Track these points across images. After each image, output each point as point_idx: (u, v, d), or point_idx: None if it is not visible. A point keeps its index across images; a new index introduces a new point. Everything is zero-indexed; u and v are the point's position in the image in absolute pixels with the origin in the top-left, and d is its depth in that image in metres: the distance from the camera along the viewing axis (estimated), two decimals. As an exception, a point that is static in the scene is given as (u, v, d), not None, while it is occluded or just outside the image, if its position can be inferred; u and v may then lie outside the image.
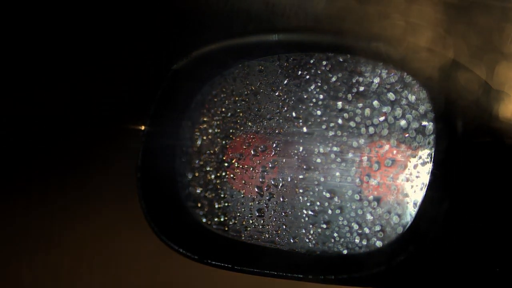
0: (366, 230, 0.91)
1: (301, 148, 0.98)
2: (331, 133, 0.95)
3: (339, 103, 0.95)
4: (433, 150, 0.85)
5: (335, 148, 0.95)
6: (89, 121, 1.64)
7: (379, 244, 0.90)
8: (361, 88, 0.93)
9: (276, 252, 1.00)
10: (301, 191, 0.98)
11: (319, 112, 0.97)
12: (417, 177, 0.87)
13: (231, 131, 1.06)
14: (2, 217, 1.69)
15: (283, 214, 1.00)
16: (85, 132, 1.65)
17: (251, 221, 1.03)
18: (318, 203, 0.96)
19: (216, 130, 1.08)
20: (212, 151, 1.08)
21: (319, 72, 0.97)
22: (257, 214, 1.02)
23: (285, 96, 1.00)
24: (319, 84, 0.97)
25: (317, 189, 0.96)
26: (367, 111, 0.92)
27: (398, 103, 0.89)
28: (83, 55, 1.58)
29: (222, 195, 1.07)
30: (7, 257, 1.69)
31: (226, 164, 1.05)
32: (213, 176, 1.08)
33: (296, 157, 0.99)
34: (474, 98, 0.87)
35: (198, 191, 1.09)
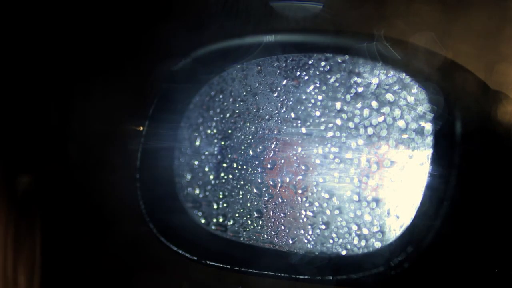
0: (365, 231, 0.91)
1: (299, 149, 0.98)
2: (330, 134, 0.95)
3: (338, 104, 0.95)
4: (431, 151, 0.85)
5: (333, 149, 0.95)
6: (89, 121, 1.64)
7: (377, 245, 0.90)
8: (360, 89, 0.93)
9: (274, 253, 0.99)
10: (300, 192, 0.98)
11: (317, 113, 0.97)
12: (415, 178, 0.87)
13: (229, 132, 1.06)
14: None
15: (282, 215, 1.00)
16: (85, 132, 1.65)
17: (249, 222, 1.03)
18: (316, 204, 0.96)
19: (214, 131, 1.08)
20: (210, 152, 1.08)
21: (318, 73, 0.97)
22: (256, 215, 1.02)
23: (284, 97, 1.00)
24: (318, 85, 0.97)
25: (315, 190, 0.96)
26: (366, 112, 0.92)
27: (397, 104, 0.89)
28: (81, 55, 1.58)
29: (220, 196, 1.07)
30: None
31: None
32: (211, 177, 1.08)
33: (295, 158, 0.99)
34: (472, 98, 0.87)
35: (197, 192, 1.09)
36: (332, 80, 0.95)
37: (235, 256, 1.01)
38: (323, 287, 1.02)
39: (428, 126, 0.86)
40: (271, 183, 1.01)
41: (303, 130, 0.98)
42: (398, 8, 1.16)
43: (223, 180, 1.06)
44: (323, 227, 0.95)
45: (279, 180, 1.00)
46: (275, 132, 1.01)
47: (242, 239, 1.03)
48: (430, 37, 0.98)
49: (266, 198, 1.01)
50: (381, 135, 0.90)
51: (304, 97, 0.98)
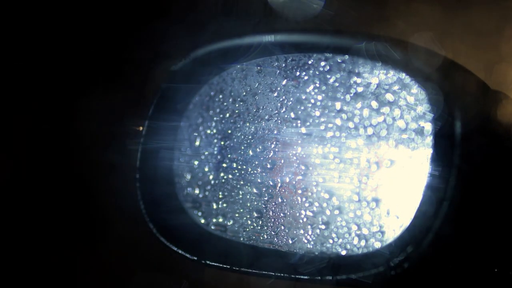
0: (365, 231, 0.91)
1: (299, 149, 0.98)
2: (329, 134, 0.95)
3: (338, 104, 0.95)
4: (431, 151, 0.84)
5: (333, 149, 0.95)
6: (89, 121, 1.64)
7: (377, 245, 0.90)
8: (360, 89, 0.93)
9: (274, 253, 0.99)
10: (299, 192, 0.98)
11: (317, 113, 0.97)
12: (415, 178, 0.87)
13: (229, 132, 1.06)
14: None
15: (282, 215, 1.00)
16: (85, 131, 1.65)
17: (249, 222, 1.03)
18: (316, 204, 0.96)
19: (214, 131, 1.08)
20: (210, 152, 1.08)
21: (318, 73, 0.97)
22: (255, 215, 1.02)
23: (284, 97, 1.00)
24: (318, 85, 0.97)
25: (315, 190, 0.96)
26: (366, 112, 0.92)
27: (397, 104, 0.89)
28: (81, 55, 1.58)
29: (220, 196, 1.07)
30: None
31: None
32: (211, 177, 1.08)
33: (295, 158, 0.99)
34: (472, 98, 0.87)
35: (197, 192, 1.09)
36: (331, 80, 0.95)
37: (235, 256, 1.01)
38: (323, 287, 1.02)
39: (428, 126, 0.86)
40: (271, 183, 1.01)
41: (303, 130, 0.98)
42: (398, 8, 1.16)
43: (223, 180, 1.06)
44: (323, 227, 0.95)
45: (279, 180, 1.00)
46: (275, 132, 1.01)
47: (242, 239, 1.03)
48: (430, 37, 0.98)
49: (266, 198, 1.01)
50: (381, 135, 0.90)
51: (304, 97, 0.98)
